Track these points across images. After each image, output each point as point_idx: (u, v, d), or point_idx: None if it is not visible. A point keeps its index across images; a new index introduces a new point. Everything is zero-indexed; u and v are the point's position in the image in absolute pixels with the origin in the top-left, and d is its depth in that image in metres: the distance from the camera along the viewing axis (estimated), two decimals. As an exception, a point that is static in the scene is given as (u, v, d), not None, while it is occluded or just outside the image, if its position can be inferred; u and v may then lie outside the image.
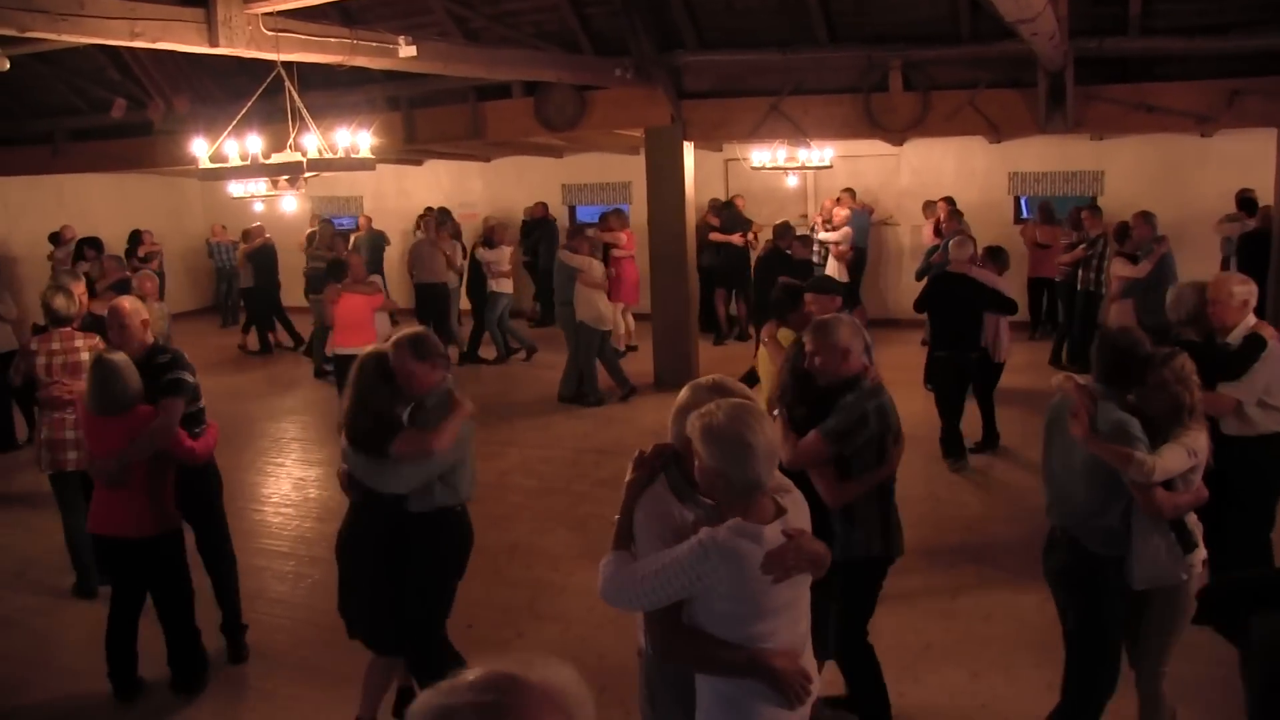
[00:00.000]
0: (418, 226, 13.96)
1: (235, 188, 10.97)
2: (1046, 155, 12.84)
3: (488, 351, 12.40)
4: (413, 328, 4.22)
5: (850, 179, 13.57)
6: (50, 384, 5.79)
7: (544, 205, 14.77)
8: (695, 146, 10.59)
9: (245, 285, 13.66)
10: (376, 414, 3.97)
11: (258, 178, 8.99)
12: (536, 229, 14.43)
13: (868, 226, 13.21)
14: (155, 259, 13.15)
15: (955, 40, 8.96)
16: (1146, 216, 9.58)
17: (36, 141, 13.15)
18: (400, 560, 4.07)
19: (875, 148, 12.44)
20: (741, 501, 2.57)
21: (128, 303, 4.97)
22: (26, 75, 11.00)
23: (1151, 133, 10.85)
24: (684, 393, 2.83)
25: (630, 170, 13.97)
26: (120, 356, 4.60)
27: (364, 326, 8.38)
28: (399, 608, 4.09)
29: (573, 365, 10.22)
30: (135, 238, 13.37)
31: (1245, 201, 10.72)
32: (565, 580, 5.91)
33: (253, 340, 13.86)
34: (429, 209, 14.31)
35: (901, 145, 12.80)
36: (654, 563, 2.60)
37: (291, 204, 12.44)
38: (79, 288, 6.49)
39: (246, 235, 13.62)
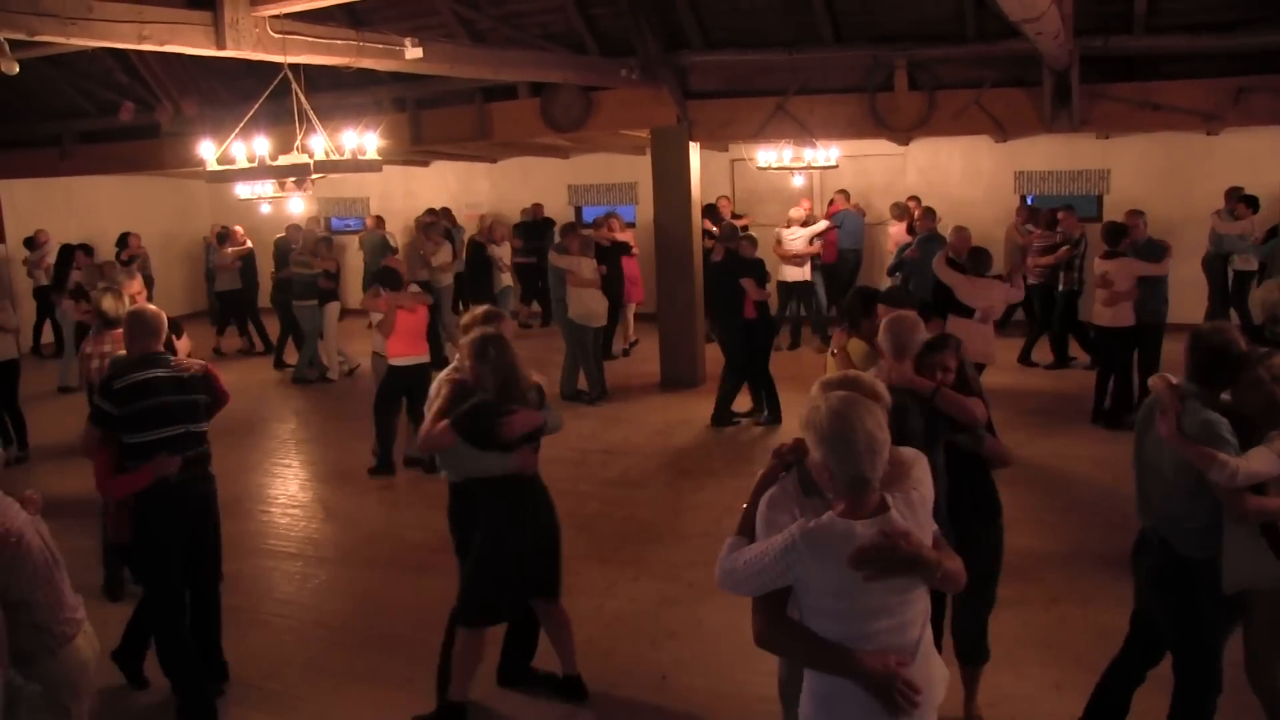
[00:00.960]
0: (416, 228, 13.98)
1: (242, 189, 10.97)
2: (1052, 154, 12.82)
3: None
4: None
5: (856, 178, 13.57)
6: None
7: (541, 206, 14.75)
8: (701, 147, 10.60)
9: (226, 289, 13.44)
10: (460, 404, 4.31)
11: (265, 179, 9.00)
12: (535, 229, 14.35)
13: (860, 229, 13.10)
14: (137, 261, 13.00)
15: (960, 39, 8.95)
16: (1139, 215, 9.51)
17: (44, 144, 13.22)
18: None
19: (881, 147, 12.43)
20: (846, 495, 2.55)
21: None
22: (35, 78, 11.04)
23: (1157, 131, 10.83)
24: (813, 388, 2.80)
25: (636, 171, 13.99)
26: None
27: (422, 336, 8.16)
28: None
29: (570, 363, 10.29)
30: (123, 240, 13.30)
31: (1248, 199, 10.73)
32: (572, 580, 5.89)
33: (229, 343, 13.73)
34: (430, 210, 14.33)
35: (907, 145, 12.79)
36: (754, 550, 2.65)
37: (299, 205, 12.44)
38: (132, 287, 6.53)
39: (223, 238, 13.43)
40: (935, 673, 2.72)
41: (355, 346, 12.22)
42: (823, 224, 12.17)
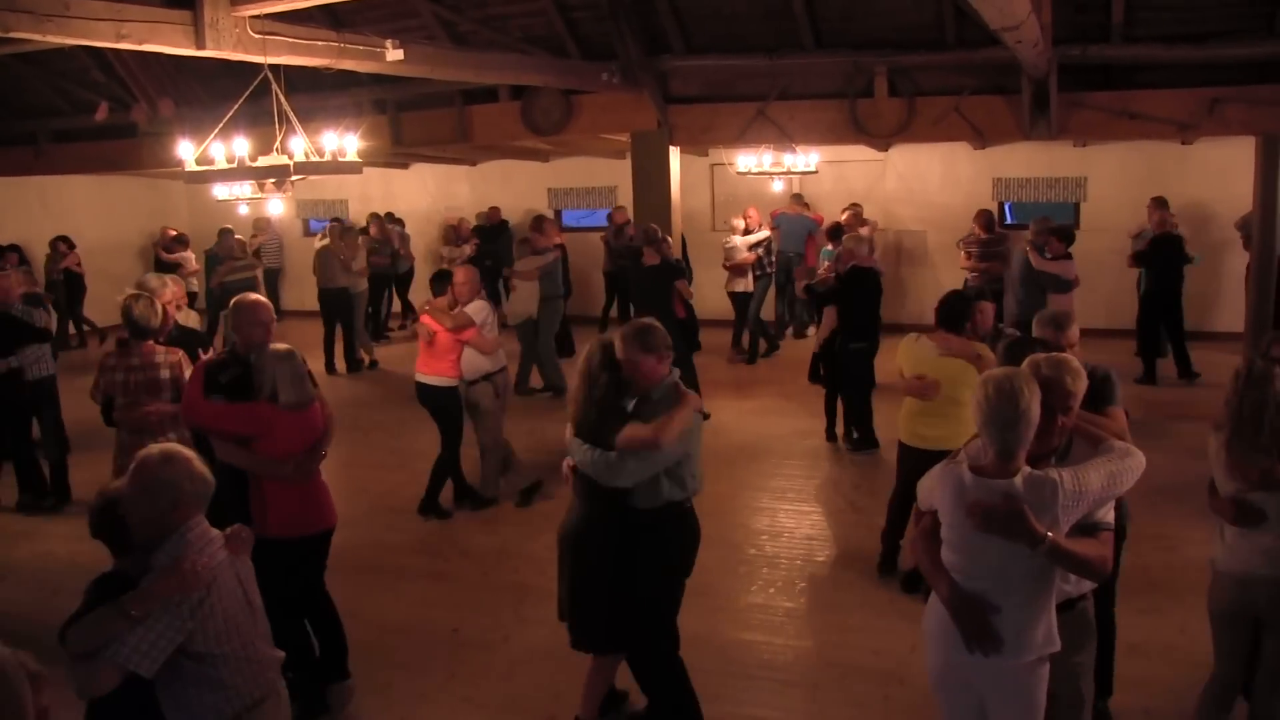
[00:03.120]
0: (367, 228, 14.01)
1: (220, 190, 10.93)
2: (1031, 161, 12.91)
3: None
4: (640, 319, 4.10)
5: (836, 184, 13.62)
6: (132, 404, 5.46)
7: (498, 210, 14.66)
8: (681, 151, 10.62)
9: None
10: (600, 406, 3.94)
11: (244, 181, 8.95)
12: (491, 233, 14.10)
13: (801, 232, 12.80)
14: (58, 266, 12.78)
15: (940, 46, 9.02)
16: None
17: (19, 142, 13.07)
18: (627, 558, 3.99)
19: (861, 153, 12.49)
20: (990, 454, 2.93)
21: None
22: (10, 75, 10.95)
23: (1134, 140, 10.94)
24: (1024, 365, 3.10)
25: (616, 175, 13.98)
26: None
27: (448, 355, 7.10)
28: (625, 607, 4.04)
29: (525, 361, 10.59)
30: (56, 246, 13.05)
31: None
32: (551, 584, 5.86)
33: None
34: (335, 219, 14.34)
35: (887, 151, 12.86)
36: (931, 473, 3.24)
37: (278, 207, 12.41)
38: (168, 293, 5.95)
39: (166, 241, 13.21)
40: (1033, 647, 2.98)
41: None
42: (763, 233, 11.93)
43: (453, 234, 12.91)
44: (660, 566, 4.05)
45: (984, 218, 11.45)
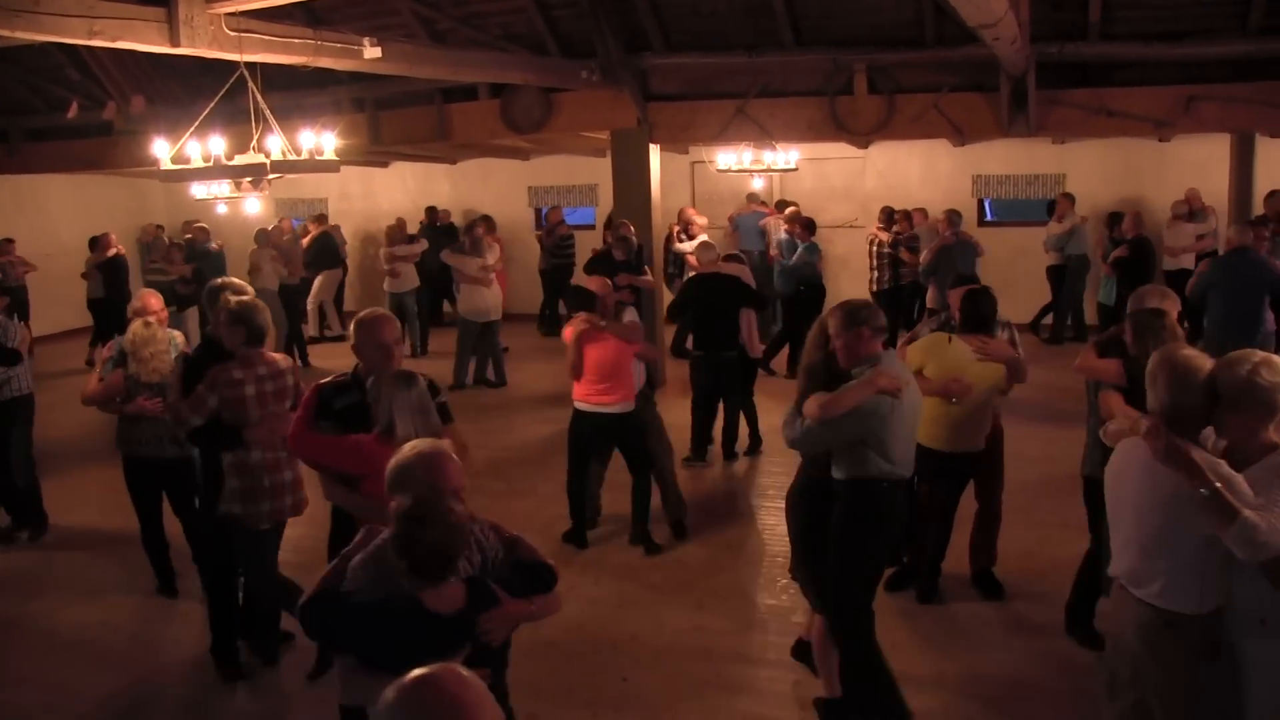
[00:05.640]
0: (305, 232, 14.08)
1: (198, 189, 10.82)
2: (1010, 158, 12.98)
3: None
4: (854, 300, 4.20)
5: (816, 181, 13.65)
6: (274, 416, 4.70)
7: (448, 212, 14.64)
8: (661, 149, 10.61)
9: (94, 296, 12.86)
10: (812, 377, 4.14)
11: (220, 179, 8.89)
12: (443, 234, 14.03)
13: (757, 228, 12.83)
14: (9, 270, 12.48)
15: (919, 44, 9.05)
16: (952, 217, 10.80)
17: (-8, 141, 12.95)
18: (823, 524, 4.17)
19: (841, 150, 12.51)
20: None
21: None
22: (-18, 73, 10.84)
23: (1112, 137, 11.02)
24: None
25: (597, 173, 13.97)
26: None
27: (623, 375, 6.19)
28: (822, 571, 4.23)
29: (460, 356, 10.91)
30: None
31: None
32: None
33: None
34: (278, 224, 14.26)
35: (867, 148, 12.89)
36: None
37: (255, 206, 12.31)
38: (156, 302, 5.69)
39: (94, 244, 12.89)
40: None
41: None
42: (703, 237, 11.77)
43: (398, 234, 12.88)
44: (849, 536, 4.09)
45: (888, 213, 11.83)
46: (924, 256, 10.44)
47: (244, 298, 4.88)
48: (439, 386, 4.05)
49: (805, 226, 11.11)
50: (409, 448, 2.99)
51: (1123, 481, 3.26)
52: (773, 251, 11.81)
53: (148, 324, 5.56)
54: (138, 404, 5.39)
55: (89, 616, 5.71)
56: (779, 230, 11.71)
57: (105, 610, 5.78)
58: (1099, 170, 12.67)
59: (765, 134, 10.04)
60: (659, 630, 5.26)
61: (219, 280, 5.26)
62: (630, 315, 6.41)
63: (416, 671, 1.68)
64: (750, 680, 4.82)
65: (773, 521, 6.74)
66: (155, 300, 5.83)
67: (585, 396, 6.19)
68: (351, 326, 4.13)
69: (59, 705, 4.78)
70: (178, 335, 5.75)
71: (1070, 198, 12.15)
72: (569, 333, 6.22)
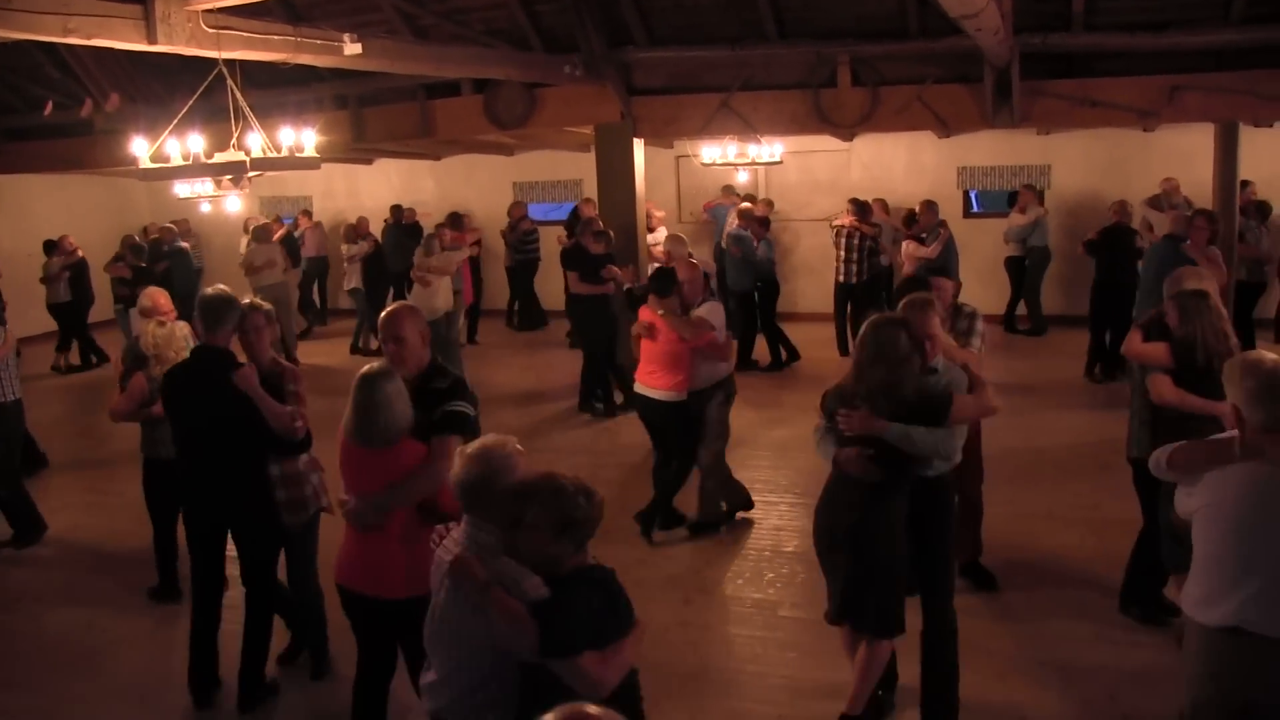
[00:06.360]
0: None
1: (181, 188, 10.77)
2: (995, 150, 12.98)
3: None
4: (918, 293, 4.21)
5: (801, 175, 13.64)
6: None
7: (413, 211, 14.40)
8: (646, 143, 10.56)
9: (57, 301, 12.64)
10: (916, 385, 3.83)
11: (200, 178, 8.83)
12: (410, 232, 13.79)
13: (724, 222, 12.61)
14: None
15: (903, 36, 9.02)
16: (931, 205, 10.81)
17: (-30, 141, 12.82)
18: (915, 534, 4.01)
19: (826, 143, 12.49)
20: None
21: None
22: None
23: (1096, 127, 11.03)
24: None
25: (581, 168, 13.92)
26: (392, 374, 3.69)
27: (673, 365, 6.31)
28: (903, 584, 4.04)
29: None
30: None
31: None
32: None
33: (74, 357, 12.88)
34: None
35: (851, 140, 12.87)
36: None
37: (236, 204, 12.25)
38: (165, 301, 5.75)
39: (53, 248, 12.62)
40: None
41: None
42: (662, 230, 11.77)
43: (352, 232, 12.89)
44: (949, 534, 4.14)
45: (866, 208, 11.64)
46: (933, 249, 10.23)
47: (268, 306, 4.87)
48: (475, 396, 3.93)
49: (761, 223, 11.20)
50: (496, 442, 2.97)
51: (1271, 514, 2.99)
52: (723, 242, 11.67)
53: (162, 324, 5.55)
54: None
55: (76, 620, 5.66)
56: (732, 223, 11.57)
57: (94, 614, 5.73)
58: (1084, 161, 12.68)
59: (749, 127, 10.01)
60: (646, 625, 5.22)
61: (224, 289, 4.82)
62: (706, 310, 6.31)
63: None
64: (738, 676, 4.80)
65: (759, 516, 6.73)
66: (164, 299, 5.88)
67: (638, 376, 6.49)
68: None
69: (56, 712, 4.76)
70: (187, 329, 5.67)
71: (1032, 188, 12.25)
72: (645, 313, 6.41)
